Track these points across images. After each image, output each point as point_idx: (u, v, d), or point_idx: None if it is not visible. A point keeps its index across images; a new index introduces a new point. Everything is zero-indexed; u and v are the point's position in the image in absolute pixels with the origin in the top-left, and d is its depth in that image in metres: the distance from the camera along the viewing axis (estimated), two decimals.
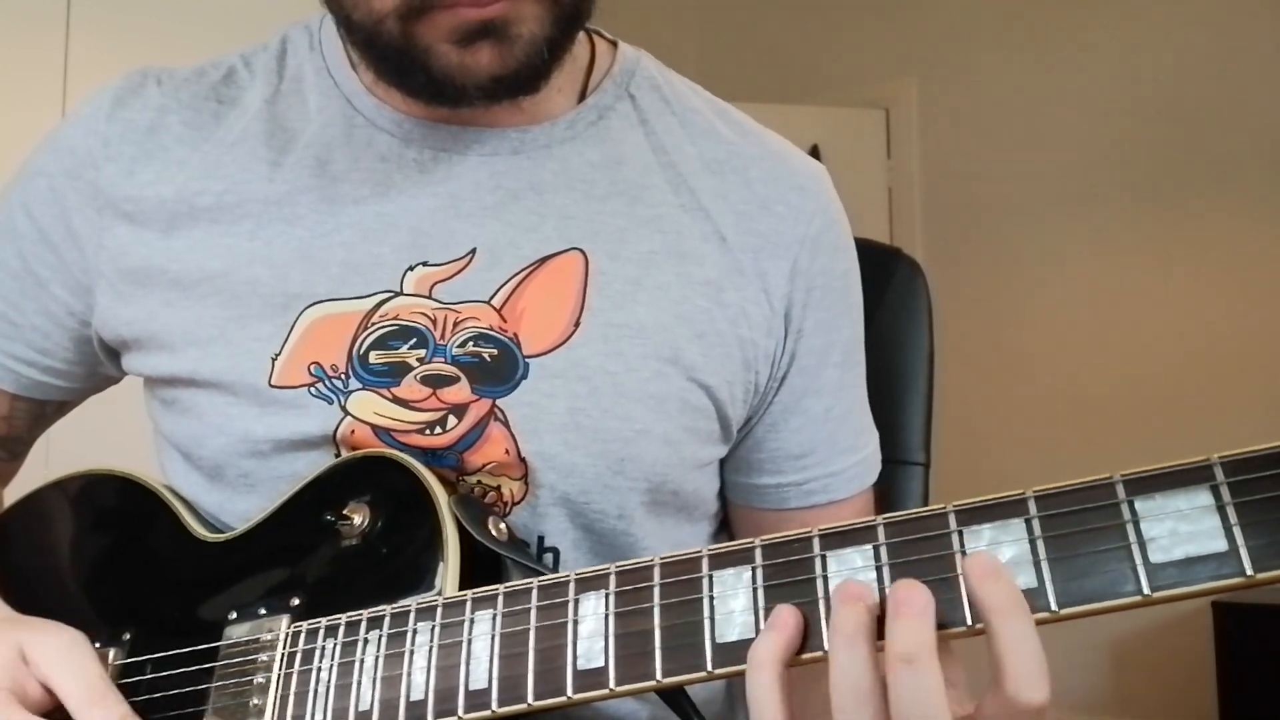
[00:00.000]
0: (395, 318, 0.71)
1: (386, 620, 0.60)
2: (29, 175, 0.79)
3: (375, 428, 0.70)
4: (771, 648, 0.49)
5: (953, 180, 3.85)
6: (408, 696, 0.58)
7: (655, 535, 0.75)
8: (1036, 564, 0.48)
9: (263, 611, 0.66)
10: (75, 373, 0.82)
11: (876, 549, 0.51)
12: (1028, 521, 0.49)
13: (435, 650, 0.58)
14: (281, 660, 0.63)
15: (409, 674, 0.58)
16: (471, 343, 0.71)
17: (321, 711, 0.60)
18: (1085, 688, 3.38)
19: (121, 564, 0.76)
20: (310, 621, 0.63)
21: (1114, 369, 3.45)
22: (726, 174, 0.78)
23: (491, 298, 0.71)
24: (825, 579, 0.51)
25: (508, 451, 0.70)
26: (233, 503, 0.74)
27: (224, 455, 0.73)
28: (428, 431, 0.70)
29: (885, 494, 0.86)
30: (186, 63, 0.80)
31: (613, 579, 0.55)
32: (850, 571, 0.51)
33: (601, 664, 0.54)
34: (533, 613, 0.56)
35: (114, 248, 0.75)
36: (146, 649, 0.69)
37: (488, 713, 0.55)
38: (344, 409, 0.70)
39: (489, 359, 0.71)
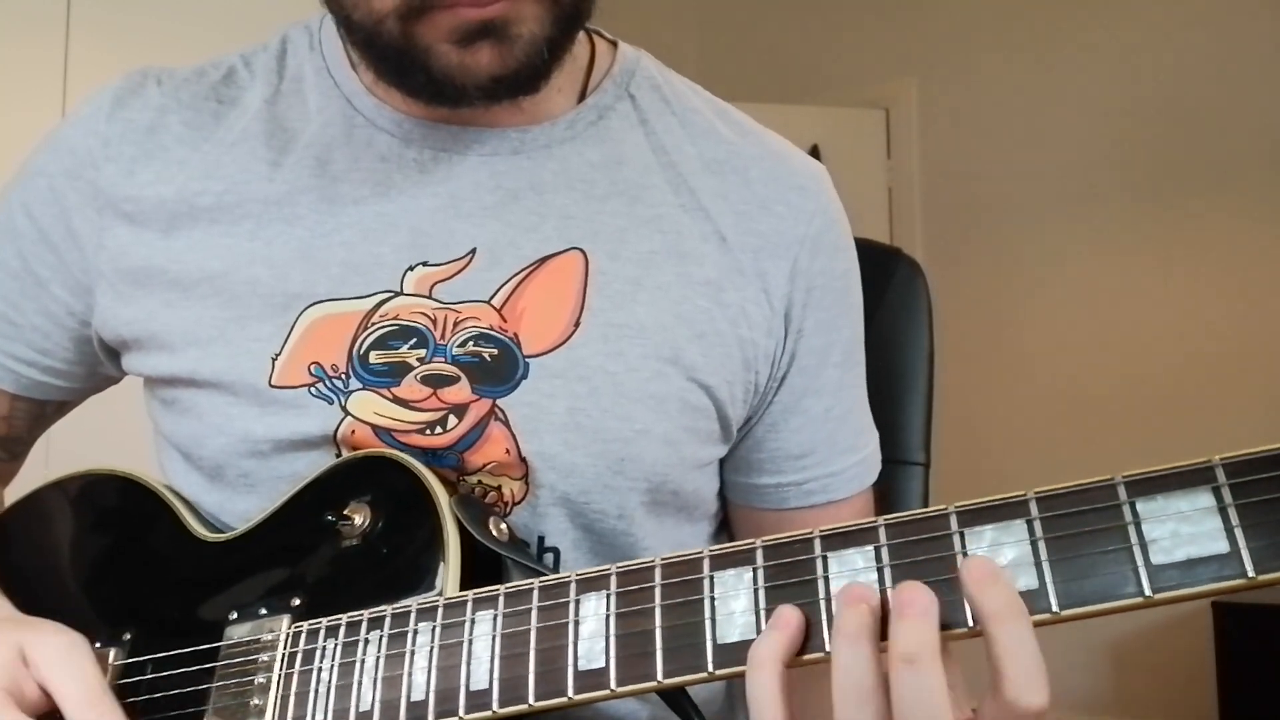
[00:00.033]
0: (395, 318, 0.71)
1: (387, 620, 0.60)
2: (29, 175, 0.79)
3: (375, 428, 0.70)
4: (773, 647, 0.49)
5: (953, 180, 3.85)
6: (408, 697, 0.58)
7: (655, 535, 0.75)
8: (1038, 565, 0.48)
9: (263, 611, 0.66)
10: (75, 373, 0.82)
11: (878, 550, 0.51)
12: (1029, 523, 0.49)
13: (436, 651, 0.58)
14: (282, 660, 0.63)
15: (410, 674, 0.58)
16: (472, 342, 0.71)
17: (322, 712, 0.60)
18: (1085, 688, 3.38)
19: (122, 564, 0.76)
20: (311, 622, 0.63)
21: (1114, 369, 3.45)
22: (726, 174, 0.78)
23: (491, 298, 0.71)
24: (826, 580, 0.51)
25: (508, 451, 0.70)
26: (233, 503, 0.74)
27: (224, 455, 0.73)
28: (428, 431, 0.70)
29: (885, 494, 0.86)
30: (186, 63, 0.80)
31: (614, 579, 0.55)
32: (852, 572, 0.51)
33: (602, 664, 0.54)
34: (534, 613, 0.56)
35: (114, 248, 0.75)
36: (147, 649, 0.69)
37: (489, 713, 0.55)
38: (344, 409, 0.70)
39: (489, 359, 0.70)
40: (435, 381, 0.70)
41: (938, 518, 0.50)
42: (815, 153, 3.28)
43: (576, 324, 0.72)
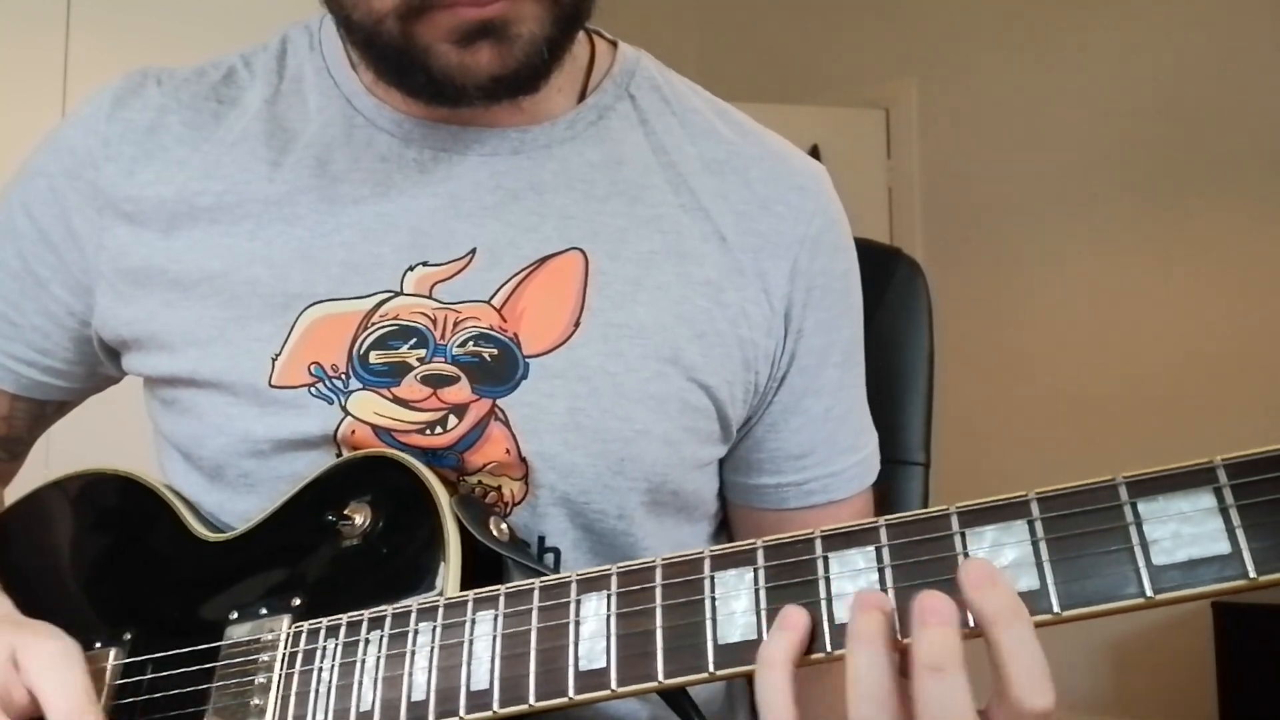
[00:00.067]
0: (395, 317, 0.71)
1: (388, 620, 0.60)
2: (29, 175, 0.79)
3: (375, 428, 0.70)
4: (783, 648, 0.49)
5: (953, 180, 3.85)
6: (409, 697, 0.58)
7: (655, 535, 0.75)
8: (1039, 565, 0.48)
9: (264, 611, 0.66)
10: (75, 373, 0.82)
11: (879, 550, 0.51)
12: (1030, 523, 0.49)
13: (437, 651, 0.58)
14: (282, 660, 0.63)
15: (410, 674, 0.58)
16: (472, 342, 0.71)
17: (323, 712, 0.60)
18: (1085, 688, 3.38)
19: (122, 564, 0.76)
20: (311, 621, 0.63)
21: (1114, 369, 3.45)
22: (726, 174, 0.78)
23: (491, 298, 0.71)
24: (827, 580, 0.51)
25: (508, 451, 0.70)
26: (233, 503, 0.74)
27: (224, 455, 0.73)
28: (428, 431, 0.70)
29: (885, 494, 0.86)
30: (186, 63, 0.80)
31: (614, 580, 0.55)
32: (853, 573, 0.51)
33: (603, 665, 0.54)
34: (534, 613, 0.56)
35: (114, 248, 0.75)
36: (147, 649, 0.69)
37: (489, 713, 0.55)
38: (344, 409, 0.70)
39: (489, 359, 0.70)
40: (435, 381, 0.70)
41: (939, 518, 0.50)
42: (815, 153, 3.28)
43: (576, 324, 0.71)
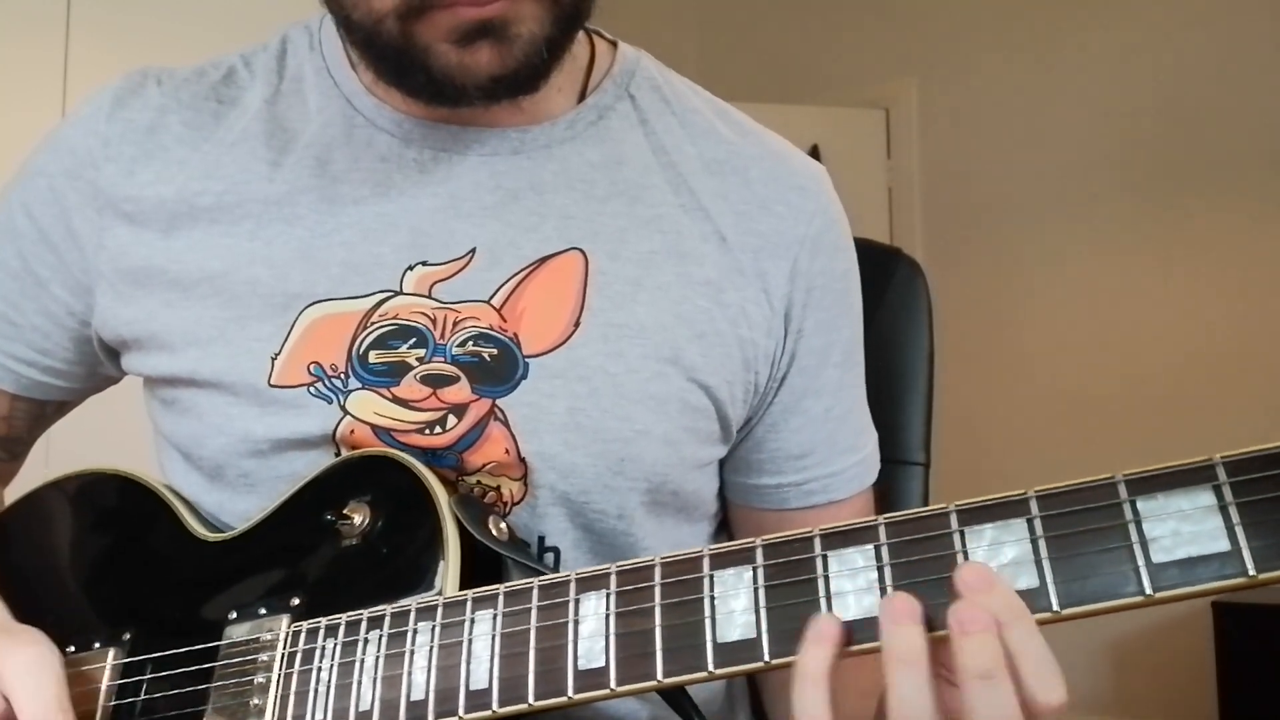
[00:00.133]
0: (395, 317, 0.71)
1: (387, 620, 0.60)
2: (29, 175, 0.79)
3: (375, 427, 0.70)
4: (821, 661, 0.49)
5: (953, 180, 3.85)
6: (408, 696, 0.58)
7: (655, 535, 0.75)
8: (1038, 564, 0.48)
9: (263, 611, 0.66)
10: (75, 373, 0.82)
11: (878, 549, 0.51)
12: (1029, 521, 0.49)
13: (436, 650, 0.58)
14: (282, 660, 0.63)
15: (409, 674, 0.58)
16: (471, 342, 0.71)
17: (322, 711, 0.60)
18: (1085, 688, 3.37)
19: (121, 564, 0.76)
20: (310, 621, 0.63)
21: (1114, 369, 3.44)
22: (726, 174, 0.78)
23: (491, 297, 0.71)
24: (826, 579, 0.51)
25: (507, 451, 0.70)
26: (233, 503, 0.74)
27: (224, 455, 0.73)
28: (427, 431, 0.70)
29: (885, 494, 0.86)
30: (186, 63, 0.80)
31: (613, 579, 0.55)
32: (851, 571, 0.51)
33: (602, 664, 0.54)
34: (533, 612, 0.56)
35: (114, 248, 0.75)
36: (146, 649, 0.69)
37: (488, 713, 0.55)
38: (343, 409, 0.70)
39: (489, 359, 0.70)
40: (435, 381, 0.70)
41: (938, 516, 0.50)
42: (815, 153, 3.28)
43: (576, 324, 0.71)
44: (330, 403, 0.70)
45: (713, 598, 0.53)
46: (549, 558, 0.73)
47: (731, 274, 0.75)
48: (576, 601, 0.56)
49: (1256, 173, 3.29)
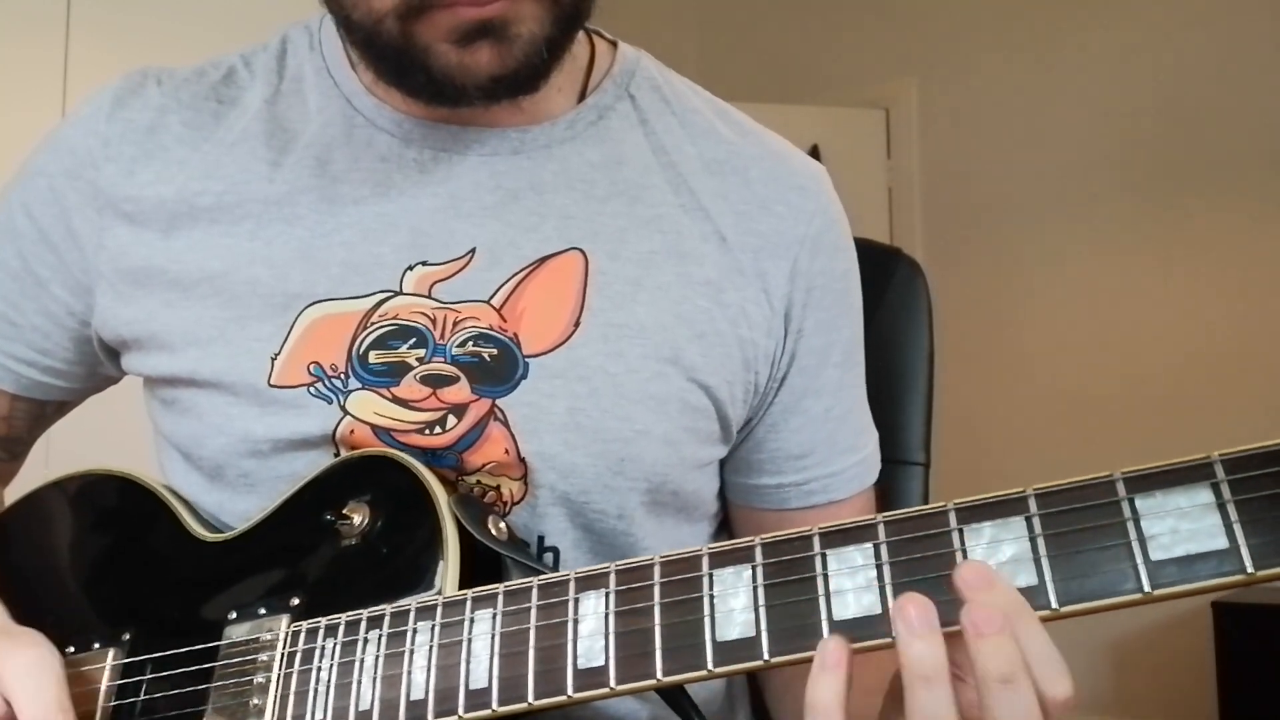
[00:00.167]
0: (395, 317, 0.71)
1: (386, 620, 0.60)
2: (29, 175, 0.79)
3: (375, 427, 0.70)
4: (836, 690, 0.49)
5: (953, 180, 3.85)
6: (408, 696, 0.58)
7: (655, 535, 0.75)
8: (1037, 562, 0.48)
9: (263, 611, 0.66)
10: (75, 373, 0.82)
11: (877, 547, 0.51)
12: (1028, 519, 0.49)
13: (435, 650, 0.58)
14: (281, 660, 0.63)
15: (409, 673, 0.58)
16: (471, 342, 0.71)
17: (322, 711, 0.60)
18: (1085, 688, 3.36)
19: (121, 564, 0.76)
20: (310, 621, 0.63)
21: (1114, 369, 3.45)
22: (726, 174, 0.78)
23: (491, 297, 0.71)
24: (825, 577, 0.51)
25: (507, 451, 0.70)
26: (233, 503, 0.74)
27: (224, 455, 0.73)
28: (427, 431, 0.70)
29: (885, 494, 0.86)
30: (186, 63, 0.80)
31: (613, 578, 0.55)
32: (851, 570, 0.51)
33: (602, 663, 0.54)
34: (533, 612, 0.56)
35: (114, 248, 0.75)
36: (146, 649, 0.69)
37: (488, 712, 0.55)
38: (343, 409, 0.70)
39: (489, 359, 0.70)
40: (434, 381, 0.70)
41: (937, 515, 0.50)
42: (815, 153, 3.28)
43: (576, 324, 0.72)
44: (330, 403, 0.70)
45: (712, 596, 0.53)
46: (548, 557, 0.73)
47: (731, 274, 0.75)
48: (576, 601, 0.56)
49: (1256, 173, 3.29)
